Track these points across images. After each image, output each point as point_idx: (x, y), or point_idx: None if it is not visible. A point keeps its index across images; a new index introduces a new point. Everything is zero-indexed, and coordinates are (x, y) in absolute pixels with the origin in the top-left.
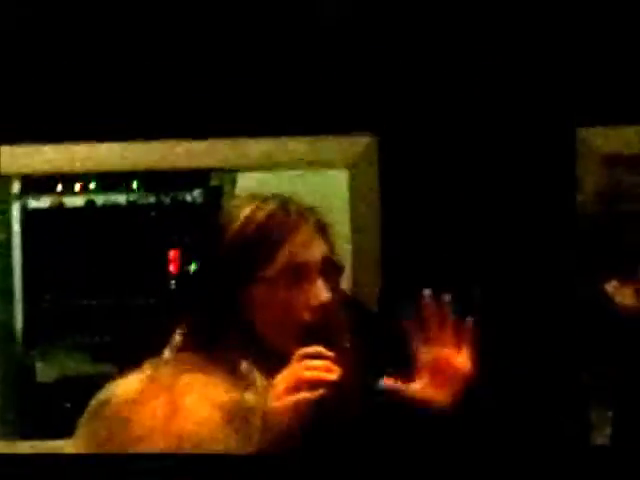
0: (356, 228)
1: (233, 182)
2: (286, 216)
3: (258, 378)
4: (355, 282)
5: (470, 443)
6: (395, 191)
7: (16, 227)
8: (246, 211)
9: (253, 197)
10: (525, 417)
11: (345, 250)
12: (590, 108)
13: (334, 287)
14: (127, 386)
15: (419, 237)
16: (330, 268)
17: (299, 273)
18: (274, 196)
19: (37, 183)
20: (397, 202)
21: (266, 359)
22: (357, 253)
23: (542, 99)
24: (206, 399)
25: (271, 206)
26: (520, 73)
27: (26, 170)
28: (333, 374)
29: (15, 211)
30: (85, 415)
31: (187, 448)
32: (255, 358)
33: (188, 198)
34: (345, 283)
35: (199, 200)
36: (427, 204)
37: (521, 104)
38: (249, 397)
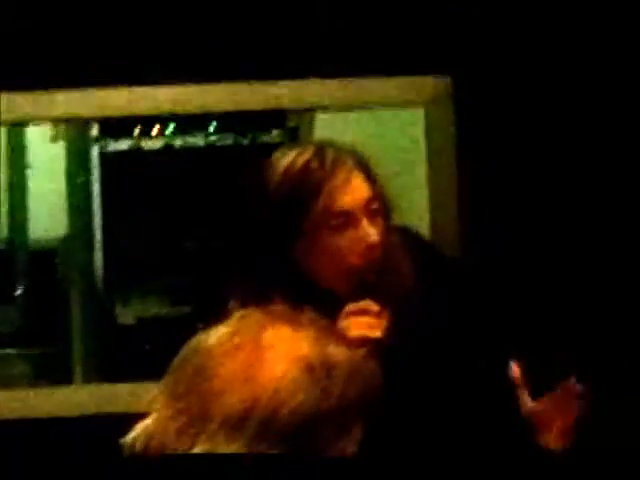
0: (432, 166)
1: (311, 122)
2: (321, 164)
3: (382, 322)
4: (433, 219)
5: None
6: (470, 129)
7: (95, 170)
8: (283, 164)
9: (291, 148)
10: None
11: (422, 190)
12: None
13: (386, 225)
14: (213, 337)
15: (495, 173)
16: (376, 208)
17: (341, 219)
18: (312, 143)
19: (115, 126)
20: (472, 140)
21: (329, 308)
22: (434, 192)
23: (615, 35)
24: (288, 353)
25: (306, 156)
26: (596, 10)
27: (104, 113)
28: (377, 331)
29: (94, 154)
30: (172, 364)
31: (264, 402)
32: (317, 308)
33: (266, 139)
34: (423, 220)
35: (277, 141)
36: (503, 142)
37: (597, 41)
38: (334, 351)
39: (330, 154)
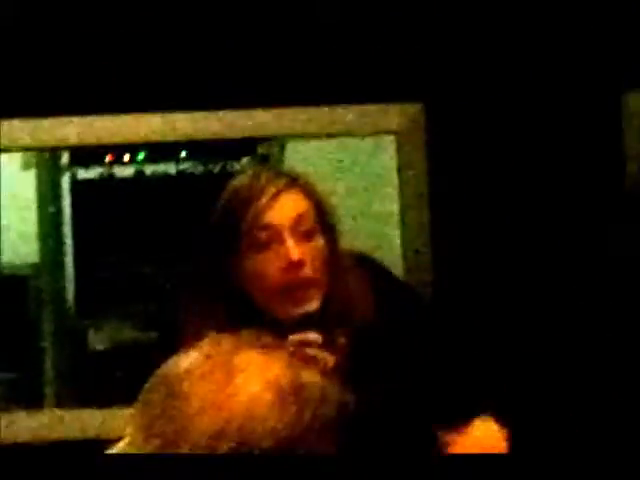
0: (404, 194)
1: (281, 150)
2: (255, 184)
3: (325, 354)
4: (404, 245)
5: None
6: (442, 157)
7: (66, 198)
8: (230, 188)
9: (246, 173)
10: None
11: (394, 219)
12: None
13: (330, 248)
14: (184, 362)
15: (467, 201)
16: (309, 228)
17: (266, 234)
18: (263, 168)
19: (86, 154)
20: (445, 168)
21: (268, 325)
22: (406, 221)
23: (587, 63)
24: (259, 377)
25: (246, 178)
26: (565, 37)
27: (75, 141)
28: (320, 363)
29: (65, 182)
30: (144, 389)
31: (236, 426)
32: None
33: (237, 167)
34: (393, 247)
35: (247, 168)
36: (475, 170)
37: (566, 68)
38: (306, 375)
39: (265, 175)
